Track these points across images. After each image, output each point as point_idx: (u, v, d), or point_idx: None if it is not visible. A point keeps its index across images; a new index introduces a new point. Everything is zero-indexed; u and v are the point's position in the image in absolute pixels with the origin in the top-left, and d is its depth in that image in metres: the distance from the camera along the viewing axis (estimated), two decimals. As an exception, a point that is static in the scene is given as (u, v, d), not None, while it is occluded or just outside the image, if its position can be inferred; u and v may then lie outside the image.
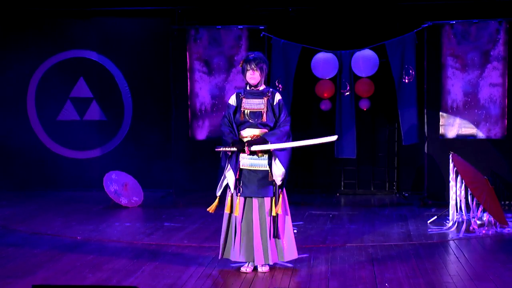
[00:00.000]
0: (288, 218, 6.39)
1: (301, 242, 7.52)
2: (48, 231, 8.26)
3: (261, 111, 6.23)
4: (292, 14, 10.99)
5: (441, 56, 10.20)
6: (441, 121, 10.27)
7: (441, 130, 10.29)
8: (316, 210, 9.79)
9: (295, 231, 8.04)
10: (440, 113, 10.26)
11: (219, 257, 6.38)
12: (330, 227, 8.53)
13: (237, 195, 6.22)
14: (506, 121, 10.06)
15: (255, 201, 6.22)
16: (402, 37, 10.22)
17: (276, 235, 6.25)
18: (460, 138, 10.23)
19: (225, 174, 6.27)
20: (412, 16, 10.74)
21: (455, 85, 10.19)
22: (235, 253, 6.26)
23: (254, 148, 6.14)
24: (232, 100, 6.33)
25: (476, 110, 10.14)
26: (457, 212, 8.33)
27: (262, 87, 6.32)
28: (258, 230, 6.20)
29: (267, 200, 6.23)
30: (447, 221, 8.55)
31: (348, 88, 10.40)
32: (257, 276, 6.14)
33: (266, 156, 6.20)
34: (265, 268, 6.27)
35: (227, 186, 6.33)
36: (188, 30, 10.63)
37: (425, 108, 10.38)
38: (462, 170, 8.23)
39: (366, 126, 11.25)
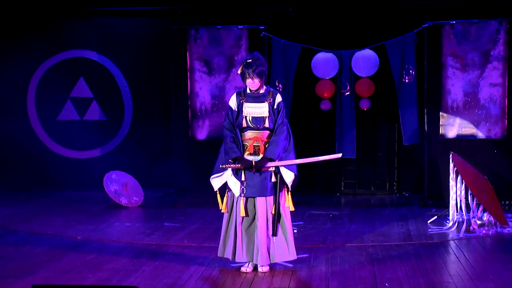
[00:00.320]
0: (289, 218, 6.40)
1: (301, 242, 7.52)
2: (48, 231, 8.26)
3: (263, 117, 6.23)
4: (292, 14, 10.99)
5: (441, 56, 10.20)
6: (441, 121, 10.27)
7: (441, 130, 10.29)
8: (316, 210, 9.79)
9: (295, 231, 8.06)
10: (440, 113, 10.26)
11: (218, 255, 6.39)
12: (330, 227, 8.52)
13: (240, 196, 6.22)
14: (506, 121, 10.07)
15: (259, 201, 6.22)
16: (402, 37, 10.23)
17: (275, 233, 6.23)
18: (460, 138, 10.23)
19: (227, 180, 6.27)
20: (412, 16, 10.74)
21: (455, 85, 10.19)
22: (237, 254, 6.26)
23: (260, 166, 6.15)
24: (233, 102, 6.28)
25: (476, 110, 10.14)
26: (457, 212, 8.33)
27: (262, 90, 6.31)
28: (263, 230, 6.21)
29: (269, 199, 6.24)
30: (447, 221, 8.55)
31: (348, 88, 10.40)
32: (257, 276, 6.14)
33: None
34: (265, 268, 6.27)
35: (225, 185, 6.33)
36: (188, 30, 10.63)
37: (425, 108, 10.38)
38: (462, 170, 8.23)
39: (366, 126, 11.25)
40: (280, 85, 10.32)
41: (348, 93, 10.43)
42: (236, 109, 6.25)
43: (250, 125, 6.22)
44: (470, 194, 8.16)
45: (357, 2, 10.98)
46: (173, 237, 7.89)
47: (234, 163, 6.18)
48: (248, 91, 6.27)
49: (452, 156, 8.36)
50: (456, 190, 8.28)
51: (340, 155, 6.50)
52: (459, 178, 8.22)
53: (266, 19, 10.90)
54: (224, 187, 6.36)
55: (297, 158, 6.36)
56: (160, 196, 10.91)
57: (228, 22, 10.77)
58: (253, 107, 6.22)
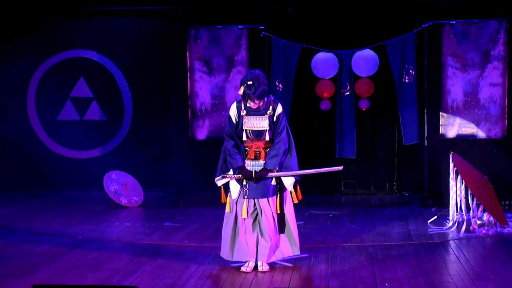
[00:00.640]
0: (294, 216, 6.46)
1: (301, 242, 7.48)
2: (48, 231, 8.26)
3: (264, 130, 6.23)
4: (292, 14, 10.99)
5: (441, 56, 10.21)
6: (441, 121, 10.27)
7: (441, 130, 10.29)
8: (316, 210, 9.79)
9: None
10: (440, 113, 10.26)
11: (220, 255, 6.42)
12: (330, 227, 8.52)
13: (244, 198, 6.24)
14: (506, 121, 10.07)
15: (262, 201, 6.25)
16: (402, 37, 10.22)
17: (283, 230, 6.32)
18: (460, 138, 10.23)
19: (229, 182, 6.31)
20: (412, 16, 10.73)
21: (455, 85, 10.19)
22: (241, 253, 6.29)
23: (261, 177, 6.19)
24: (233, 113, 6.26)
25: (476, 110, 10.14)
26: (457, 212, 8.33)
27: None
28: (267, 228, 6.23)
29: (272, 199, 6.27)
30: (447, 221, 8.55)
31: (348, 88, 10.40)
32: (257, 276, 6.14)
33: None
34: (266, 268, 6.28)
35: (228, 184, 6.34)
36: (188, 30, 10.63)
37: (425, 108, 10.38)
38: (462, 170, 8.23)
39: (366, 126, 11.25)
40: (280, 85, 10.32)
41: (348, 93, 10.43)
42: (236, 121, 6.26)
43: (250, 137, 6.26)
44: (470, 194, 8.17)
45: (357, 2, 10.98)
46: (173, 237, 7.89)
47: (235, 173, 6.21)
48: (248, 104, 6.24)
49: (452, 156, 8.36)
50: (456, 190, 8.28)
51: (341, 167, 6.55)
52: (459, 178, 8.22)
53: (266, 19, 10.90)
54: (228, 186, 6.37)
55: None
56: (160, 196, 10.90)
57: (228, 22, 10.77)
58: (253, 120, 6.22)
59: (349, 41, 10.76)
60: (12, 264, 6.58)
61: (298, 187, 6.36)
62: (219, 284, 5.92)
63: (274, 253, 6.35)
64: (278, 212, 6.27)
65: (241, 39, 10.54)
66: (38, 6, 11.48)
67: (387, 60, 10.32)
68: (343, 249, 7.24)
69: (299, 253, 6.49)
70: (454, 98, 10.20)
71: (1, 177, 11.75)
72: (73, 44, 11.66)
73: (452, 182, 8.33)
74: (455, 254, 7.07)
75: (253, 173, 6.19)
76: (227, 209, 6.34)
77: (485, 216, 8.24)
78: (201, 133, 10.72)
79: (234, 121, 6.25)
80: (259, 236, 6.27)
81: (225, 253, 6.39)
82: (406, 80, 10.21)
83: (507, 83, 10.06)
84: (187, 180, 11.01)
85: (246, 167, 6.23)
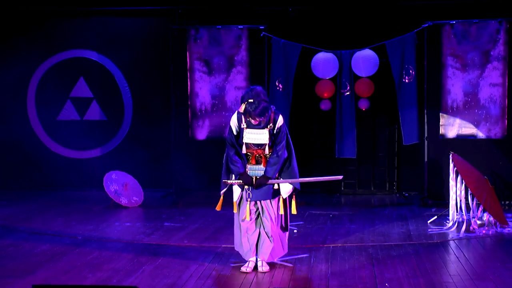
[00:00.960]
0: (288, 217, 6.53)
1: (301, 242, 7.53)
2: (48, 231, 8.26)
3: (264, 144, 6.24)
4: (292, 14, 10.99)
5: (441, 56, 10.21)
6: (441, 121, 10.27)
7: (441, 130, 10.29)
8: (316, 210, 9.79)
9: (295, 231, 8.08)
10: (440, 113, 10.26)
11: (235, 249, 6.51)
12: (330, 227, 8.52)
13: (246, 200, 6.27)
14: (506, 121, 10.07)
15: (264, 203, 6.30)
16: (402, 37, 10.22)
17: (287, 229, 6.43)
18: (460, 138, 10.23)
19: (232, 187, 6.35)
20: (412, 16, 10.73)
21: (455, 85, 10.19)
22: (246, 253, 6.34)
23: (261, 184, 6.24)
24: (234, 124, 6.26)
25: (476, 110, 10.14)
26: (457, 212, 8.33)
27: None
28: (272, 229, 6.28)
29: (274, 201, 6.31)
30: (447, 221, 8.55)
31: (348, 88, 10.40)
32: (257, 276, 6.14)
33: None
34: (266, 268, 6.29)
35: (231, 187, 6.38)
36: (188, 30, 10.63)
37: (425, 108, 10.38)
38: (462, 170, 8.23)
39: (366, 126, 11.25)
40: (280, 85, 10.32)
41: (348, 93, 10.43)
42: (237, 132, 6.27)
43: (251, 147, 6.28)
44: (470, 194, 8.17)
45: (357, 2, 10.98)
46: (173, 237, 7.89)
47: (236, 179, 6.26)
48: (248, 119, 6.23)
49: (452, 156, 8.36)
50: (456, 190, 8.28)
51: (341, 177, 6.65)
52: (459, 178, 8.22)
53: (266, 19, 10.90)
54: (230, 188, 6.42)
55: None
56: (160, 196, 10.91)
57: (228, 22, 10.77)
58: (253, 133, 6.23)
59: (349, 41, 10.76)
60: (12, 264, 6.58)
61: (294, 198, 6.36)
62: (219, 284, 5.92)
63: (275, 253, 6.37)
64: (282, 213, 6.32)
65: (241, 39, 10.54)
66: (38, 6, 11.48)
67: (387, 60, 10.32)
68: (343, 249, 7.24)
69: (287, 251, 6.55)
70: (454, 98, 10.21)
71: (1, 177, 11.75)
72: (73, 44, 11.67)
73: (452, 182, 8.33)
74: (455, 254, 7.07)
75: (254, 180, 6.22)
76: (234, 210, 6.39)
77: (485, 216, 8.24)
78: (201, 133, 10.72)
79: (235, 132, 6.27)
80: (262, 235, 6.29)
81: (244, 255, 6.48)
82: (406, 80, 10.20)
83: (507, 83, 10.06)
84: (187, 180, 11.02)
85: (248, 171, 6.26)
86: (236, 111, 6.31)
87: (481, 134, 10.14)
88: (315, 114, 11.26)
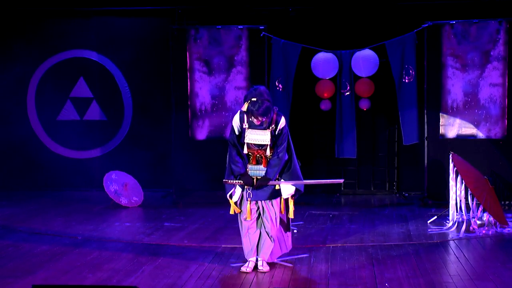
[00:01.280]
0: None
1: (301, 242, 7.53)
2: (48, 231, 8.26)
3: (265, 145, 6.24)
4: (292, 14, 10.99)
5: (441, 56, 10.20)
6: (441, 121, 10.27)
7: (441, 130, 10.29)
8: (316, 210, 9.78)
9: (295, 231, 8.09)
10: (440, 113, 10.26)
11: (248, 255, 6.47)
12: (330, 227, 8.52)
13: (247, 200, 6.27)
14: (506, 121, 10.07)
15: (265, 203, 6.30)
16: (402, 37, 10.22)
17: (289, 228, 6.46)
18: (460, 138, 10.23)
19: (234, 189, 6.36)
20: (412, 16, 10.73)
21: (455, 85, 10.19)
22: (247, 252, 6.36)
23: (261, 186, 6.24)
24: (236, 124, 6.26)
25: (476, 110, 10.14)
26: (457, 212, 8.33)
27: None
28: (273, 229, 6.29)
29: (275, 202, 6.31)
30: (447, 221, 8.55)
31: (348, 88, 10.40)
32: (257, 276, 6.14)
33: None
34: (266, 268, 6.29)
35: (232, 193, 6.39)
36: (188, 30, 10.63)
37: (425, 108, 10.38)
38: (462, 170, 8.23)
39: (366, 126, 11.25)
40: (280, 85, 10.32)
41: (348, 93, 10.43)
42: (239, 132, 6.27)
43: (252, 147, 6.28)
44: (470, 194, 8.16)
45: (357, 2, 10.98)
46: (173, 237, 7.89)
47: (237, 179, 6.25)
48: (251, 119, 6.23)
49: (452, 156, 8.36)
50: (456, 190, 8.27)
51: (342, 180, 6.70)
52: (459, 178, 8.22)
53: (266, 19, 10.90)
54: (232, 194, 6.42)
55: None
56: (160, 196, 10.91)
57: (228, 22, 10.77)
58: (255, 133, 6.22)
59: (349, 41, 10.76)
60: (12, 264, 6.58)
61: (293, 202, 6.36)
62: (219, 284, 5.92)
63: (276, 253, 6.38)
64: (283, 212, 6.34)
65: (241, 39, 10.54)
66: (38, 6, 11.47)
67: (387, 60, 10.32)
68: (343, 249, 7.24)
69: (288, 250, 6.57)
70: (454, 98, 10.20)
71: (1, 177, 11.75)
72: (73, 44, 11.66)
73: (452, 182, 8.33)
74: (455, 254, 7.07)
75: (254, 180, 6.22)
76: (231, 212, 6.39)
77: (485, 216, 8.24)
78: (201, 133, 10.72)
79: (237, 132, 6.27)
80: (263, 235, 6.29)
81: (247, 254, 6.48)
82: (406, 80, 10.21)
83: (507, 83, 10.05)
84: (187, 180, 11.01)
85: (248, 171, 6.26)
86: (239, 111, 6.30)
87: (481, 134, 10.14)
88: (315, 114, 11.25)
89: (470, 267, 6.47)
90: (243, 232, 6.37)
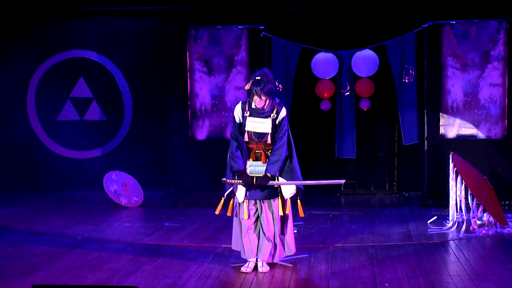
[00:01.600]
0: (291, 218, 6.50)
1: (301, 242, 7.53)
2: (48, 231, 8.26)
3: (266, 133, 6.24)
4: (292, 14, 10.99)
5: (441, 56, 10.20)
6: (441, 121, 10.27)
7: (441, 130, 10.29)
8: (316, 210, 9.79)
9: (295, 231, 8.07)
10: (440, 113, 10.26)
11: (232, 248, 6.52)
12: (330, 227, 8.52)
13: (244, 199, 6.26)
14: (506, 121, 10.06)
15: (263, 203, 6.29)
16: (402, 37, 10.22)
17: (283, 231, 6.39)
18: (460, 138, 10.23)
19: (235, 191, 6.33)
20: (412, 16, 10.73)
21: (455, 85, 10.19)
22: (247, 252, 6.34)
23: (261, 185, 6.22)
24: (237, 114, 6.28)
25: (476, 110, 10.14)
26: (457, 212, 8.33)
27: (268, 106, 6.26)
28: (269, 229, 6.29)
29: (274, 201, 6.30)
30: (447, 221, 8.55)
31: (348, 88, 10.40)
32: (257, 276, 6.14)
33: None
34: (266, 268, 6.29)
35: (231, 192, 6.37)
36: (188, 30, 10.63)
37: (425, 108, 10.38)
38: (462, 170, 8.23)
39: (366, 126, 11.25)
40: (280, 85, 10.32)
41: (348, 93, 10.43)
42: (240, 121, 6.27)
43: (252, 138, 6.27)
44: (470, 194, 8.16)
45: (357, 2, 10.98)
46: (173, 237, 7.89)
47: (236, 178, 6.23)
48: (253, 106, 6.24)
49: (452, 156, 8.36)
50: (456, 190, 8.28)
51: (343, 181, 6.69)
52: (459, 178, 8.22)
53: (266, 19, 10.90)
54: (231, 193, 6.39)
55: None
56: (160, 196, 10.91)
57: (228, 22, 10.77)
58: (256, 121, 6.22)
59: (349, 41, 10.76)
60: (12, 264, 6.58)
61: (299, 200, 6.37)
62: (219, 284, 5.92)
63: (275, 254, 6.37)
64: (282, 214, 6.30)
65: (241, 39, 10.54)
66: (38, 6, 11.47)
67: (387, 60, 10.33)
68: (343, 249, 7.24)
69: (292, 254, 6.52)
70: (454, 98, 10.20)
71: (1, 177, 11.75)
72: (73, 44, 11.66)
73: (452, 182, 8.33)
74: (455, 254, 7.07)
75: (254, 180, 6.21)
76: (228, 213, 6.39)
77: (485, 216, 8.24)
78: (201, 133, 10.72)
79: (238, 121, 6.28)
80: (262, 235, 6.30)
81: (237, 247, 6.48)
82: (406, 80, 10.21)
83: (507, 83, 10.05)
84: (187, 180, 11.01)
85: (247, 168, 6.24)
86: (240, 102, 6.32)
87: (481, 134, 10.14)
88: (315, 114, 11.26)
89: (470, 267, 6.47)
90: (242, 232, 6.37)
